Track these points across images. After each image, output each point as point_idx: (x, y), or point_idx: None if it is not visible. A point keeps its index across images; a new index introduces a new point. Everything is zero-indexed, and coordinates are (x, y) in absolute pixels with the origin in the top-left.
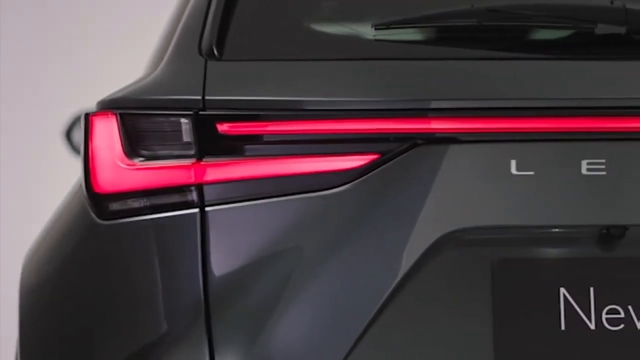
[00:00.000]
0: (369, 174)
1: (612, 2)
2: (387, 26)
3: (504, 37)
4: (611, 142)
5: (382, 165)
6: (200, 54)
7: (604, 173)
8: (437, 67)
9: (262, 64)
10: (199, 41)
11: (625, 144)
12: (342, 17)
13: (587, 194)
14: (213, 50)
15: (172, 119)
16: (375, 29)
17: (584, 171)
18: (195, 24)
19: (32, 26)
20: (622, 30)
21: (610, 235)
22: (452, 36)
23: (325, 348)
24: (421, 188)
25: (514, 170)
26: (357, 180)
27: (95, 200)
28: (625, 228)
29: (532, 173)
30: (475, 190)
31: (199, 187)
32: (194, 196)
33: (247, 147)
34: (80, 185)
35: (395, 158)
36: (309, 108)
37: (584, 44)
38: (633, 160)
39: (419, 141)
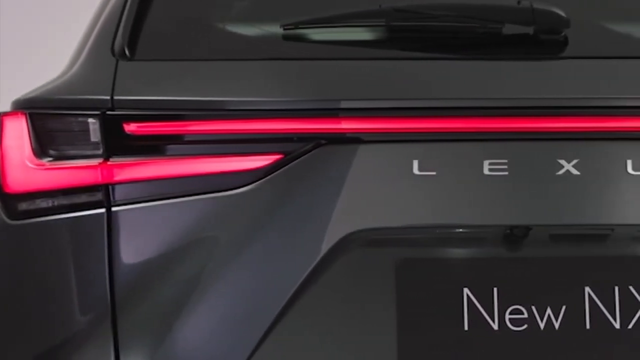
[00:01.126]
0: (273, 174)
1: (519, 3)
2: (296, 26)
3: (409, 38)
4: (513, 142)
5: (286, 165)
6: (113, 54)
7: (506, 173)
8: (342, 67)
9: (172, 64)
10: (112, 42)
11: (527, 144)
12: (253, 18)
13: (490, 194)
14: (125, 51)
15: (80, 119)
16: (284, 29)
17: (485, 171)
18: (110, 25)
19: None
20: (528, 30)
21: (513, 235)
22: (358, 37)
23: (230, 348)
24: (325, 188)
25: (416, 171)
26: (262, 180)
27: (5, 200)
28: (528, 228)
29: (434, 173)
30: (378, 190)
31: (106, 187)
32: (101, 196)
33: (154, 147)
34: None
35: (299, 158)
36: (215, 108)
37: (488, 44)
38: (534, 160)
39: (323, 141)
